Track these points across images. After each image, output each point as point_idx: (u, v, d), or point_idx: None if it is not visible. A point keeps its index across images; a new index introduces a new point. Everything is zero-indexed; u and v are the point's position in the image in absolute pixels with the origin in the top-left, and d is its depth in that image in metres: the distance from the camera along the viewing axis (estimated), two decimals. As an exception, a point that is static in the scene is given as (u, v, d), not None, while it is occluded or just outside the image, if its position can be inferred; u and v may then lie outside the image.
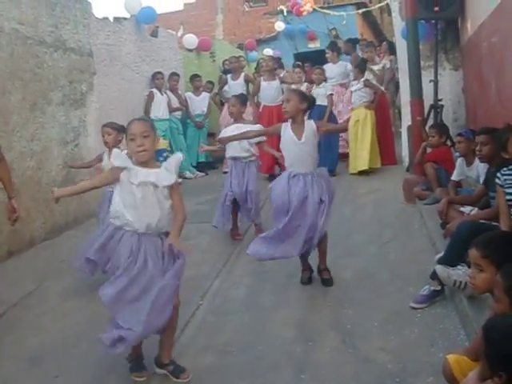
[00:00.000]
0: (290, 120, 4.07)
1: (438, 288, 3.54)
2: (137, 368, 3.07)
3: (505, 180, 3.34)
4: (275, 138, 6.45)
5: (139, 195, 2.87)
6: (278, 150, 4.48)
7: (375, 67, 8.47)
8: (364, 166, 7.59)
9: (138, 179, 2.86)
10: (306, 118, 4.18)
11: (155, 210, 2.89)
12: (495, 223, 3.45)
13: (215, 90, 10.12)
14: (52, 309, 4.12)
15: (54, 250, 5.41)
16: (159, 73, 8.55)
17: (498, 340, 1.73)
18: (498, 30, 4.71)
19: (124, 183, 2.90)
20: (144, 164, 2.91)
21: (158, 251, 2.92)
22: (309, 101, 4.08)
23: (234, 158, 5.29)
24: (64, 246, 5.53)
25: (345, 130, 6.48)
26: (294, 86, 8.77)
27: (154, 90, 8.35)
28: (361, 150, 7.58)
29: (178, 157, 3.06)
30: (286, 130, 4.04)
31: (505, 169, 3.37)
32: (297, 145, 3.99)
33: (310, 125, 4.03)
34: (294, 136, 3.99)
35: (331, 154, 7.81)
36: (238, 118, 5.34)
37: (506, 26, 4.44)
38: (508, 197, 3.31)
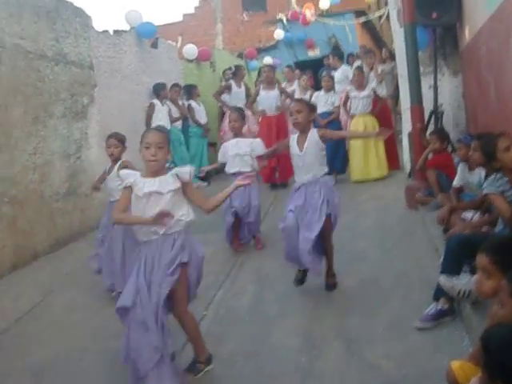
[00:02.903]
0: (298, 131, 4.08)
1: (446, 306, 3.38)
2: None
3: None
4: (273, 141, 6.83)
5: (141, 206, 2.96)
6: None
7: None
8: (382, 173, 7.74)
9: (143, 191, 2.95)
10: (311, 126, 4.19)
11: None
12: (485, 231, 3.45)
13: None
14: (56, 322, 4.13)
15: (57, 263, 5.42)
16: (163, 84, 8.58)
17: (496, 350, 1.74)
18: (497, 35, 4.73)
19: (133, 197, 3.00)
20: (153, 173, 2.99)
21: (161, 255, 2.94)
22: (315, 110, 4.27)
23: (235, 174, 5.19)
24: (68, 258, 5.55)
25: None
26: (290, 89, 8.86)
27: (155, 101, 8.36)
28: (373, 158, 7.68)
29: (187, 167, 3.11)
30: (293, 141, 4.09)
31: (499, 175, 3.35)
32: (298, 156, 4.04)
33: (313, 134, 4.02)
34: (297, 147, 4.04)
35: (338, 154, 7.88)
36: (238, 133, 5.44)
37: (504, 30, 4.45)
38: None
